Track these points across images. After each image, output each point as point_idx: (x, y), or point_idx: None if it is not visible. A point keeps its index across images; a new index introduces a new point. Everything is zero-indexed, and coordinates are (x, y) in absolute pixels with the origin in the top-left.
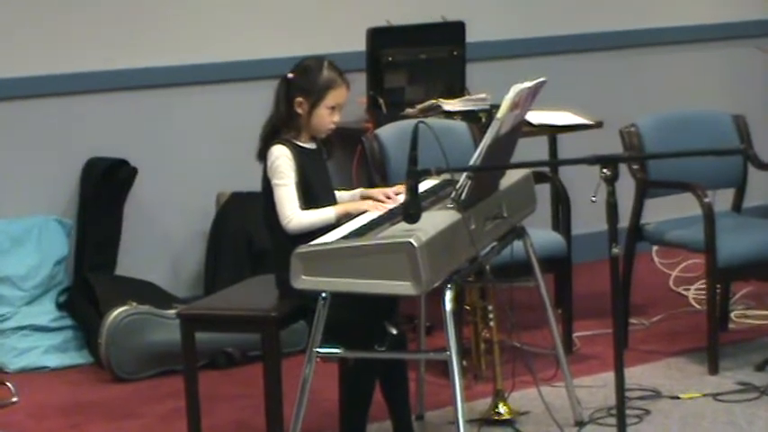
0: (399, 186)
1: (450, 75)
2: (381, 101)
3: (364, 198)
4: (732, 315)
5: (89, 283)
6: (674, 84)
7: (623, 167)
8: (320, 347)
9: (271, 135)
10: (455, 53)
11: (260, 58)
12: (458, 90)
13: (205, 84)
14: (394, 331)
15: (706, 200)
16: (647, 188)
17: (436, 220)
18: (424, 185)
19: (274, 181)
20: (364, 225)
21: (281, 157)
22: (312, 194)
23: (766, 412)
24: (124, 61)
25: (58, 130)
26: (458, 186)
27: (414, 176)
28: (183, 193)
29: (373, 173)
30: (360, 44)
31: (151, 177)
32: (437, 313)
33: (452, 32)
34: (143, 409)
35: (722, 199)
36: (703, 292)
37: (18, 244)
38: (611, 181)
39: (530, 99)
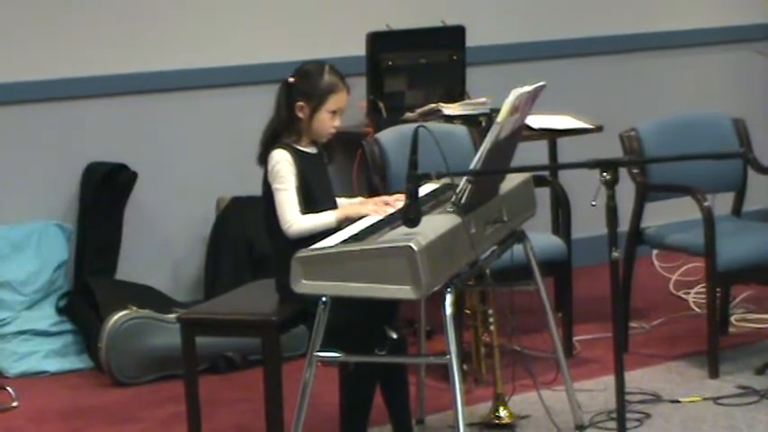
0: (399, 195)
1: (450, 79)
2: (381, 105)
3: (364, 204)
4: (732, 319)
5: (89, 288)
6: (674, 87)
7: (623, 171)
8: (320, 351)
9: (271, 139)
10: (455, 57)
11: (260, 63)
12: (458, 94)
13: (205, 88)
14: (394, 335)
15: (706, 204)
16: (647, 192)
17: (436, 224)
18: (424, 189)
19: (275, 185)
20: (364, 229)
21: (282, 161)
22: (313, 199)
23: (766, 416)
24: (124, 66)
25: (57, 135)
26: (458, 190)
27: (414, 180)
28: (183, 198)
29: (373, 177)
30: (360, 48)
31: (151, 182)
32: (437, 317)
33: (452, 37)
34: (143, 413)
35: (722, 203)
36: (703, 295)
37: (18, 249)
38: (610, 185)
39: (530, 103)
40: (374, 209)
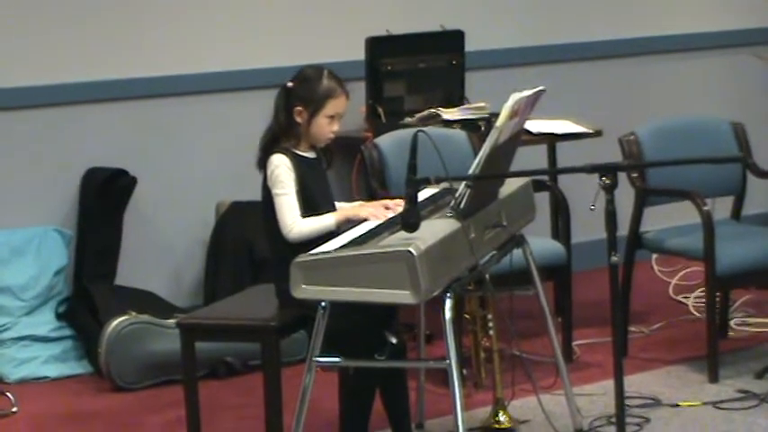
0: (398, 200)
1: (449, 84)
2: (380, 110)
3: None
4: (732, 323)
5: (89, 293)
6: (673, 92)
7: (622, 176)
8: (320, 356)
9: (270, 144)
10: (454, 62)
11: (260, 68)
12: (457, 99)
13: (205, 93)
14: (393, 340)
15: (705, 208)
16: (646, 196)
17: (435, 228)
18: (424, 194)
19: (274, 190)
20: (363, 234)
21: (281, 166)
22: (312, 203)
23: (766, 420)
24: (123, 71)
25: (57, 141)
26: (457, 195)
27: (413, 185)
28: (182, 203)
29: (372, 182)
30: (359, 53)
31: (151, 187)
32: (437, 322)
33: (451, 41)
34: (143, 418)
35: (721, 207)
36: (703, 299)
37: (18, 254)
38: (610, 189)
39: (529, 108)
40: (374, 212)
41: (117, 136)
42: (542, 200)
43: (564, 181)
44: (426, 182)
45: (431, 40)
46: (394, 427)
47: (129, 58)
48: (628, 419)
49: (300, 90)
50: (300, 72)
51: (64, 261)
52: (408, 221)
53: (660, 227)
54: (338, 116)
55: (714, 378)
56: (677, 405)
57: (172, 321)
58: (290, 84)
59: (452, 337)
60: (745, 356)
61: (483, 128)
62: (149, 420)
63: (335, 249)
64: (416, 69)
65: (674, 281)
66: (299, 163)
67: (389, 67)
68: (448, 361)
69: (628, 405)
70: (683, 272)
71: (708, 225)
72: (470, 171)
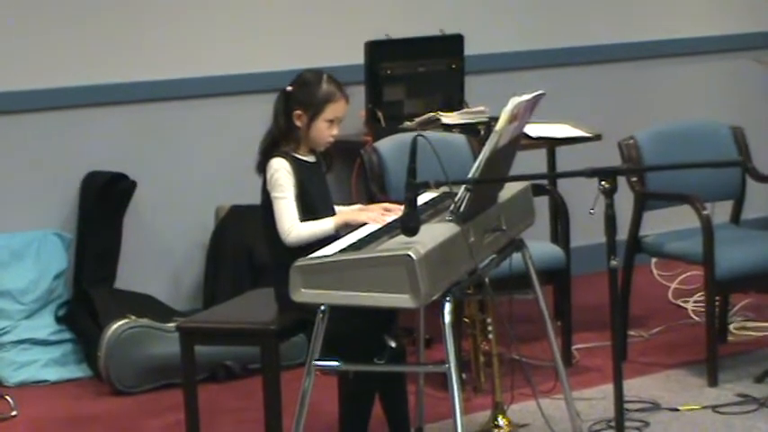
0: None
1: (448, 88)
2: (380, 114)
3: (363, 212)
4: (731, 327)
5: (88, 297)
6: (673, 96)
7: (622, 180)
8: (319, 360)
9: (270, 148)
10: (453, 66)
11: (259, 72)
12: (456, 103)
13: (204, 97)
14: (393, 344)
15: (704, 212)
16: (645, 200)
17: (435, 232)
18: (423, 198)
19: (273, 194)
20: (363, 238)
21: (281, 170)
22: (311, 207)
23: (765, 424)
24: (123, 75)
25: (57, 144)
26: (456, 199)
27: (412, 189)
28: (182, 207)
29: (372, 186)
30: (358, 57)
31: (150, 191)
32: (436, 326)
33: (451, 45)
34: (143, 422)
35: (721, 211)
36: (702, 303)
37: (17, 258)
38: (609, 193)
39: (528, 112)
40: (373, 216)
41: (117, 140)
42: (542, 204)
43: (563, 185)
44: (426, 186)
45: (430, 44)
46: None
47: (129, 61)
48: (627, 423)
49: (300, 94)
50: (300, 76)
51: (64, 265)
52: (408, 225)
53: (659, 231)
54: (338, 120)
55: (713, 382)
56: (677, 409)
57: (171, 325)
58: (289, 88)
59: (452, 341)
60: (744, 360)
61: (482, 132)
62: (149, 424)
63: (335, 253)
64: (416, 73)
65: (673, 285)
66: (298, 167)
67: (389, 71)
68: (447, 365)
69: (627, 409)
70: (683, 276)
71: (707, 229)
72: (470, 175)
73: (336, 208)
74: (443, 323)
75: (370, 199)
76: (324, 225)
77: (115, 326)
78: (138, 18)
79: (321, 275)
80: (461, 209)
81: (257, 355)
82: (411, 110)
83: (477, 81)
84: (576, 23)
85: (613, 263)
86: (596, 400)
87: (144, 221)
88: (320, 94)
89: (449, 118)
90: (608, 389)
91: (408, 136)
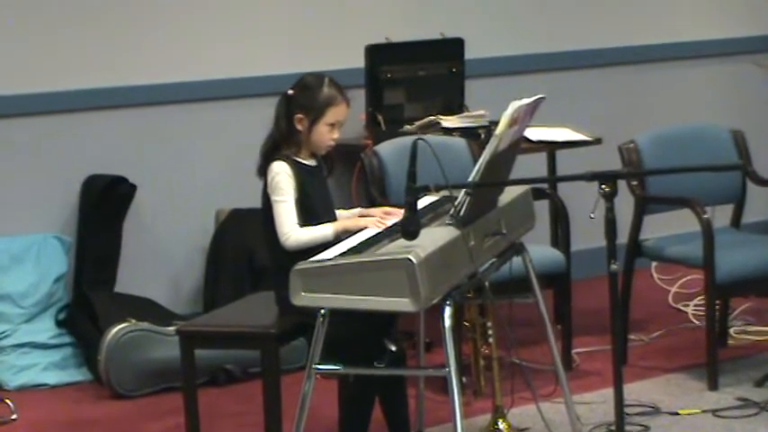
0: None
1: (448, 91)
2: (380, 117)
3: (363, 216)
4: (731, 331)
5: (88, 300)
6: (673, 100)
7: (622, 183)
8: (319, 364)
9: (271, 151)
10: (454, 70)
11: (260, 75)
12: (456, 107)
13: (205, 101)
14: (393, 348)
15: (705, 216)
16: (645, 204)
17: (435, 236)
18: (423, 202)
19: (274, 197)
20: (363, 242)
21: (281, 173)
22: (312, 211)
23: (766, 428)
24: (124, 79)
25: (57, 148)
26: (456, 203)
27: (412, 193)
28: (182, 210)
29: (372, 189)
30: (359, 61)
31: (150, 194)
32: (436, 330)
33: (451, 49)
34: (143, 426)
35: (721, 215)
36: (702, 307)
37: (17, 261)
38: (609, 197)
39: (528, 115)
40: (373, 221)
41: (117, 143)
42: (542, 208)
43: (563, 189)
44: (426, 190)
45: (430, 48)
46: None
47: (130, 65)
48: (627, 427)
49: (301, 98)
50: (301, 80)
51: (64, 268)
52: (408, 229)
53: (660, 235)
54: (339, 124)
55: (714, 386)
56: (677, 413)
57: (171, 329)
58: (290, 91)
59: (452, 344)
60: (744, 364)
61: (483, 136)
62: (149, 428)
63: (335, 257)
64: (416, 77)
65: (673, 289)
66: (299, 170)
67: (389, 75)
68: (447, 369)
69: (627, 413)
70: (683, 280)
71: (707, 233)
72: (470, 179)
73: (337, 212)
74: (443, 327)
75: (371, 202)
76: (323, 231)
77: (115, 329)
78: (139, 21)
79: (321, 279)
80: (461, 213)
81: (257, 358)
82: (411, 113)
83: (477, 85)
84: (576, 27)
85: (614, 267)
86: (596, 403)
87: (144, 225)
88: (321, 97)
89: (449, 122)
90: (608, 393)
91: (408, 140)
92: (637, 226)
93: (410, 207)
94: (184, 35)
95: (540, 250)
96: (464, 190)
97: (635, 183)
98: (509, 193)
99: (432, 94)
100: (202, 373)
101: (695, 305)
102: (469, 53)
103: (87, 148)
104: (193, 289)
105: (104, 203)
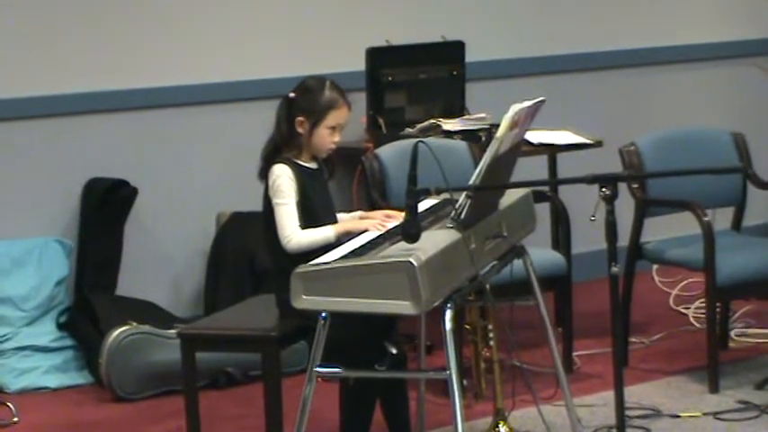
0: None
1: (449, 94)
2: (381, 120)
3: (364, 219)
4: (732, 334)
5: (90, 304)
6: (674, 102)
7: (622, 186)
8: (320, 367)
9: (272, 154)
10: (455, 73)
11: (261, 78)
12: (457, 109)
13: (205, 104)
14: (394, 350)
15: (705, 218)
16: (646, 207)
17: (436, 239)
18: (424, 205)
19: (275, 200)
20: (364, 244)
21: (283, 176)
22: (313, 214)
23: (767, 431)
24: (124, 82)
25: (58, 151)
26: (457, 206)
27: (413, 196)
28: (183, 213)
29: (373, 192)
30: (360, 64)
31: (151, 197)
32: (437, 332)
33: (452, 52)
34: (144, 428)
35: (722, 218)
36: (703, 310)
37: (19, 265)
38: (610, 200)
39: (529, 118)
40: (374, 224)
41: (118, 147)
42: (543, 210)
43: (564, 192)
44: (427, 192)
45: (431, 51)
46: None
47: (130, 68)
48: (628, 430)
49: (302, 101)
50: (302, 83)
51: (65, 271)
52: (409, 232)
53: (660, 237)
54: (340, 127)
55: (714, 389)
56: (678, 416)
57: (172, 332)
58: (291, 94)
59: (453, 347)
60: (745, 367)
61: (483, 138)
62: (150, 430)
63: (336, 260)
64: (417, 80)
65: (674, 291)
66: (300, 173)
67: (390, 78)
68: (448, 372)
69: (628, 416)
70: (684, 282)
71: (708, 236)
72: (471, 182)
73: (338, 216)
74: (444, 330)
75: (372, 206)
76: (324, 233)
77: (116, 332)
78: (139, 25)
79: (322, 282)
80: (462, 215)
81: (258, 361)
82: (412, 116)
83: (478, 88)
84: (576, 30)
85: (614, 269)
86: (597, 406)
87: (145, 228)
88: (323, 100)
89: (450, 124)
90: (609, 395)
91: (409, 142)
92: (637, 229)
93: (411, 210)
94: (185, 38)
95: (541, 253)
96: (465, 193)
97: (636, 185)
98: (510, 196)
99: (432, 96)
100: (203, 375)
101: (696, 308)
102: (470, 56)
103: (88, 151)
104: (194, 292)
105: (105, 207)
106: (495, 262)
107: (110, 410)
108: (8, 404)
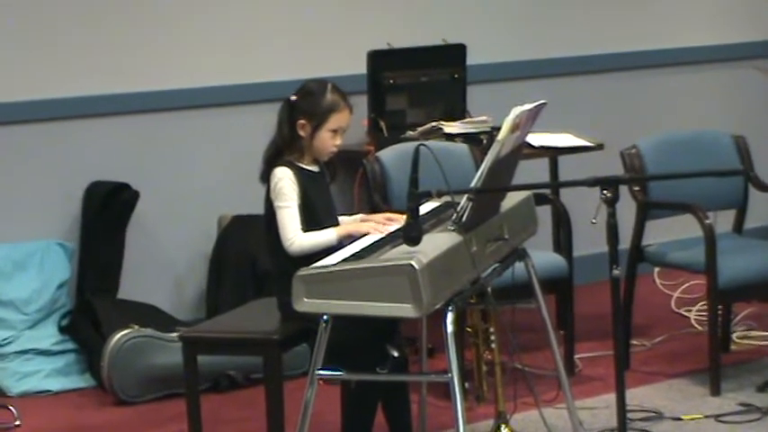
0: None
1: (450, 97)
2: (382, 123)
3: (365, 222)
4: (734, 336)
5: (91, 307)
6: (675, 105)
7: (624, 189)
8: (322, 370)
9: (274, 157)
10: (456, 76)
11: (261, 82)
12: (459, 112)
13: (207, 107)
14: (395, 353)
15: (707, 221)
16: (647, 210)
17: (437, 242)
18: (426, 208)
19: (277, 203)
20: (366, 247)
21: (284, 179)
22: (315, 217)
23: None
24: (126, 85)
25: (60, 154)
26: (459, 209)
27: (415, 199)
28: (184, 217)
29: (374, 195)
30: (361, 67)
31: (153, 201)
32: (439, 335)
33: (453, 55)
34: None
35: (723, 220)
36: (705, 313)
37: (20, 268)
38: (611, 203)
39: (530, 121)
40: (376, 226)
41: (119, 150)
42: (544, 213)
43: (566, 194)
44: (428, 195)
45: (432, 54)
46: None
47: (131, 72)
48: None
49: (304, 104)
50: (304, 86)
51: (66, 275)
52: (410, 235)
53: (662, 240)
54: (341, 130)
55: (716, 391)
56: (679, 418)
57: (174, 335)
58: (293, 97)
59: (454, 350)
60: (747, 370)
61: (485, 141)
62: None
63: (338, 263)
64: (418, 83)
65: (675, 294)
66: (302, 176)
67: (391, 81)
68: (450, 374)
69: (630, 418)
70: (685, 285)
71: (710, 238)
72: (472, 184)
73: (340, 219)
74: (446, 332)
75: (373, 208)
76: (327, 235)
77: (118, 336)
78: (140, 28)
79: (324, 285)
80: (464, 218)
81: (260, 364)
82: (413, 119)
83: (479, 90)
84: (577, 33)
85: (615, 272)
86: (599, 409)
87: (147, 231)
88: (324, 103)
89: (451, 127)
90: (611, 398)
91: (411, 145)
92: (639, 231)
93: (412, 213)
94: (186, 42)
95: (543, 256)
96: (466, 195)
97: (637, 188)
98: (511, 199)
99: (434, 99)
100: (205, 379)
101: (697, 310)
102: (471, 59)
103: (90, 154)
104: (196, 295)
105: (107, 210)
106: (496, 265)
107: (111, 414)
108: (10, 407)
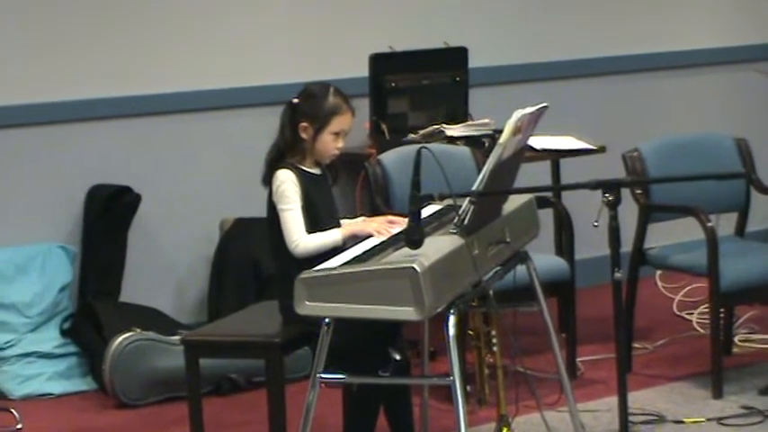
0: (401, 218)
1: (452, 100)
2: (384, 126)
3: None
4: (736, 339)
5: (93, 310)
6: (677, 108)
7: (626, 192)
8: (324, 373)
9: (276, 160)
10: (458, 78)
11: (264, 84)
12: (460, 115)
13: (209, 110)
14: (397, 356)
15: (709, 224)
16: (649, 213)
17: (439, 245)
18: (427, 211)
19: (280, 206)
20: (368, 250)
21: (287, 181)
22: (317, 220)
23: None
24: (127, 88)
25: (61, 157)
26: (461, 211)
27: (416, 202)
28: (186, 220)
29: (376, 198)
30: (363, 70)
31: (155, 204)
32: (441, 338)
33: (455, 58)
34: None
35: (725, 223)
36: (707, 316)
37: (22, 271)
38: (613, 205)
39: (532, 124)
40: (379, 228)
41: (121, 153)
42: (546, 216)
43: (568, 197)
44: (430, 198)
45: (434, 57)
46: None
47: (133, 75)
48: None
49: (306, 106)
50: (306, 88)
51: (68, 278)
52: (412, 238)
53: (664, 243)
54: (343, 133)
55: (718, 394)
56: (681, 421)
57: (176, 338)
58: (295, 100)
59: (456, 353)
60: (749, 373)
61: (486, 144)
62: None
63: (339, 266)
64: (420, 86)
65: (677, 297)
66: (304, 179)
67: (393, 84)
68: (452, 378)
69: (632, 421)
70: (687, 288)
71: (712, 241)
72: (474, 187)
73: (341, 221)
74: (447, 336)
75: (375, 211)
76: (331, 236)
77: (120, 339)
78: (142, 31)
79: (325, 288)
80: (465, 221)
81: (262, 367)
82: (415, 122)
83: (481, 93)
84: (579, 36)
85: (617, 275)
86: (601, 412)
87: (148, 234)
88: (326, 106)
89: (453, 130)
90: (612, 401)
91: (412, 148)
92: (641, 234)
93: (414, 216)
94: (188, 45)
95: (545, 259)
96: (468, 198)
97: (639, 191)
98: (513, 202)
99: (435, 102)
100: (207, 382)
101: (699, 313)
102: (473, 62)
103: (91, 157)
104: (198, 298)
105: (109, 213)
106: (498, 268)
107: (113, 417)
108: (12, 410)
